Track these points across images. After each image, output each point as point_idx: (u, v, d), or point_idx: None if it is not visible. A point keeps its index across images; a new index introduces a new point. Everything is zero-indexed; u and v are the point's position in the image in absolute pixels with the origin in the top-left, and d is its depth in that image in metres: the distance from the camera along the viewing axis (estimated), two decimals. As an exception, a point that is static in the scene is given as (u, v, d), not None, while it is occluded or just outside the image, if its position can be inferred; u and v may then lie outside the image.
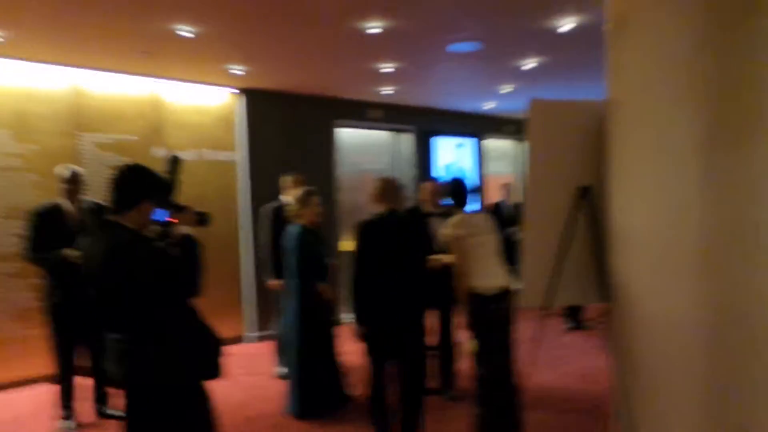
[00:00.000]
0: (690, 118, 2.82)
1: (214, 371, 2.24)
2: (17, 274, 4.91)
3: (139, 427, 2.25)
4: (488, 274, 3.64)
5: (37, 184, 5.02)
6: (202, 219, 2.50)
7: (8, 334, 4.94)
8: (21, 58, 4.92)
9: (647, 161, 3.04)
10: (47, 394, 4.39)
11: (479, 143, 9.05)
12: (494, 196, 9.51)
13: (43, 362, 4.19)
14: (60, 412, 4.07)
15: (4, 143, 4.95)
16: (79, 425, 4.11)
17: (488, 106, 8.05)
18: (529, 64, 5.27)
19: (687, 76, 2.83)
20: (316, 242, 4.24)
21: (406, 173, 8.20)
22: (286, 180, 5.21)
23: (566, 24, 4.08)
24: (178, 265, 2.15)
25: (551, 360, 5.45)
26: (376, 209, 3.42)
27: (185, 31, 4.08)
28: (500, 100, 7.64)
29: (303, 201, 4.24)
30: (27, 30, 4.09)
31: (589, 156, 3.86)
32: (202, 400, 2.26)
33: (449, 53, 4.84)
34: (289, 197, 5.12)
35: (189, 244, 2.23)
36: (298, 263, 4.18)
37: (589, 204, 3.86)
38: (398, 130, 8.17)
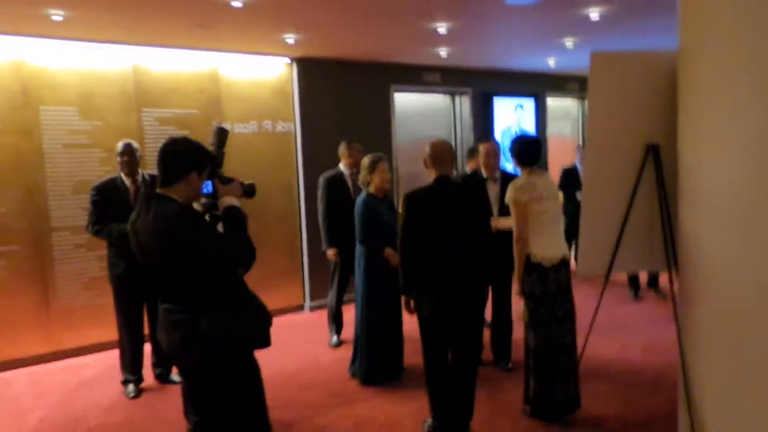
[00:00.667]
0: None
1: (262, 341, 2.26)
2: (86, 245, 5.15)
3: (192, 395, 2.31)
4: (549, 243, 3.48)
5: (103, 160, 5.21)
6: (248, 190, 2.49)
7: (79, 302, 5.21)
8: (83, 39, 5.06)
9: (729, 113, 2.79)
10: (113, 360, 4.62)
11: (539, 103, 8.71)
12: (557, 159, 9.19)
13: (111, 329, 4.39)
14: (124, 377, 4.28)
15: (70, 121, 5.14)
16: (142, 390, 4.30)
17: (549, 62, 7.70)
18: (593, 12, 4.96)
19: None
20: (382, 209, 4.20)
21: (465, 138, 8.02)
22: (342, 147, 5.19)
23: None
24: (224, 237, 2.16)
25: (612, 330, 5.26)
26: (429, 175, 3.33)
27: (236, 0, 4.06)
28: (562, 56, 7.28)
29: (371, 168, 4.20)
30: (87, 9, 4.18)
31: (656, 112, 3.60)
32: (252, 370, 2.29)
33: (507, 7, 4.60)
34: (343, 165, 5.12)
35: (235, 215, 2.23)
36: (360, 230, 4.17)
37: (657, 163, 3.63)
38: (455, 93, 7.97)
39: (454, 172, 3.93)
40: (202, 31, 4.98)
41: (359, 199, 4.24)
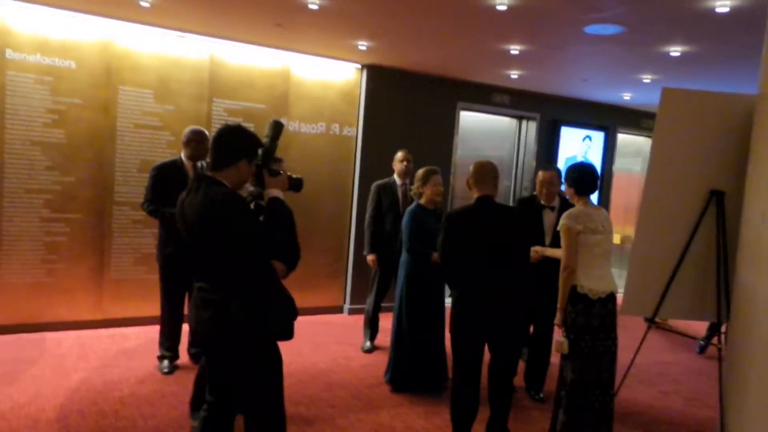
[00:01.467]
0: None
1: (285, 333, 2.29)
2: (143, 222, 5.36)
3: (212, 375, 2.36)
4: (598, 276, 3.36)
5: (171, 143, 5.43)
6: (295, 184, 2.54)
7: (128, 276, 5.43)
8: (165, 27, 5.31)
9: None
10: (154, 334, 4.78)
11: (609, 136, 8.48)
12: (621, 195, 8.91)
13: (155, 305, 4.55)
14: (160, 352, 4.42)
15: (145, 103, 5.39)
16: (176, 367, 4.43)
17: (625, 96, 7.50)
18: (674, 51, 4.80)
19: None
20: (430, 220, 4.18)
21: (527, 162, 7.90)
22: (396, 156, 5.22)
23: (721, 5, 3.63)
24: (264, 227, 2.20)
25: (655, 376, 5.03)
26: (472, 195, 3.30)
27: (312, 3, 4.17)
28: (638, 91, 7.08)
29: (424, 179, 4.23)
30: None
31: (725, 156, 3.43)
32: (273, 359, 2.32)
33: (586, 35, 4.52)
34: (396, 174, 5.15)
35: (278, 207, 2.28)
36: (407, 238, 4.19)
37: (721, 210, 3.46)
38: (523, 117, 7.87)
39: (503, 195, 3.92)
40: (279, 30, 5.13)
41: (409, 209, 4.26)
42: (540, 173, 4.35)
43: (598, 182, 3.56)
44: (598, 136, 8.39)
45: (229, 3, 4.41)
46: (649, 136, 9.11)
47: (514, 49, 5.17)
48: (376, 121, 6.57)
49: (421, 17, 4.44)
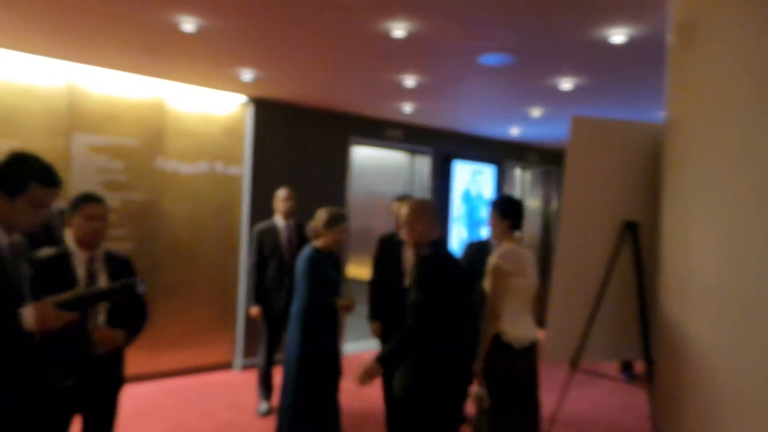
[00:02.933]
0: (771, 148, 2.32)
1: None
2: None
3: None
4: (523, 323, 3.08)
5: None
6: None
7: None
8: (12, 49, 4.54)
9: (718, 193, 2.53)
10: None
11: (500, 171, 8.56)
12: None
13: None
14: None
15: (-17, 139, 4.55)
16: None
17: (513, 131, 7.58)
18: (566, 83, 4.79)
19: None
20: (326, 265, 3.76)
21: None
22: (277, 194, 4.78)
23: (614, 36, 3.60)
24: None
25: (578, 419, 4.87)
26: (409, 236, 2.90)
27: (188, 23, 3.66)
28: (526, 126, 7.17)
29: (329, 224, 3.72)
30: (18, 15, 3.70)
31: (637, 186, 3.35)
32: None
33: (480, 66, 4.37)
34: (279, 215, 4.72)
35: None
36: (307, 285, 3.69)
37: (636, 243, 3.36)
38: (416, 152, 7.72)
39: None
40: (149, 56, 4.55)
41: (304, 254, 3.78)
42: (395, 205, 4.08)
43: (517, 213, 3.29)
44: (489, 171, 8.44)
45: (89, 23, 3.79)
46: (533, 169, 9.35)
47: (409, 81, 4.95)
48: (265, 159, 6.07)
49: (312, 45, 4.08)
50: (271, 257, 4.61)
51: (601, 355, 3.33)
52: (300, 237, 4.56)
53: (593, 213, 3.27)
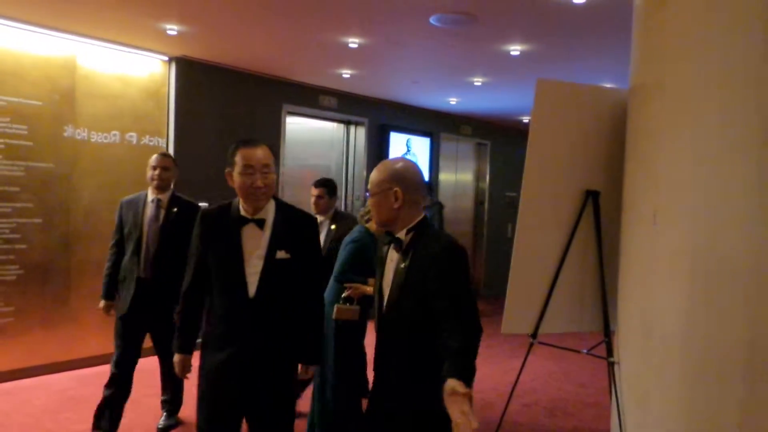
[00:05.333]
0: (747, 109, 2.24)
1: None
2: None
3: None
4: None
5: None
6: None
7: None
8: None
9: (684, 161, 2.43)
10: None
11: (433, 142, 8.42)
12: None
13: None
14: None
15: None
16: None
17: (452, 101, 7.44)
18: (516, 49, 4.65)
19: (745, 56, 2.25)
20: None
21: (358, 172, 7.46)
22: (149, 161, 3.65)
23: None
24: None
25: (523, 391, 4.84)
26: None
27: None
28: (465, 96, 7.04)
29: None
30: None
31: (600, 154, 3.24)
32: None
33: (431, 27, 4.13)
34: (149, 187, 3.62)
35: None
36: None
37: (596, 212, 3.27)
38: (350, 122, 7.42)
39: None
40: (60, 4, 3.98)
41: (352, 237, 3.43)
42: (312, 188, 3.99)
43: (432, 192, 3.23)
44: (423, 142, 8.28)
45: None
46: (468, 142, 9.30)
47: (352, 42, 4.65)
48: (189, 127, 5.58)
49: (249, -5, 3.69)
50: (128, 239, 3.57)
51: (559, 326, 3.24)
52: (172, 218, 3.55)
53: (554, 180, 3.14)
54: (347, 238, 3.44)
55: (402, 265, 1.93)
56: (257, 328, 2.24)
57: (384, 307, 1.99)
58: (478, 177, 9.53)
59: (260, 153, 2.27)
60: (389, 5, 3.76)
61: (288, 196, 6.61)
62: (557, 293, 3.17)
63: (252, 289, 2.24)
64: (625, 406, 2.82)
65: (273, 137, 6.32)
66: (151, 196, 3.57)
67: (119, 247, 3.59)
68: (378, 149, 7.57)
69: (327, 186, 3.98)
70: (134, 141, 5.28)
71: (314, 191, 3.99)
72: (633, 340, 2.75)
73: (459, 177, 9.31)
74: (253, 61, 5.55)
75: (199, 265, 2.33)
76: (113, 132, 5.16)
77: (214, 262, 2.29)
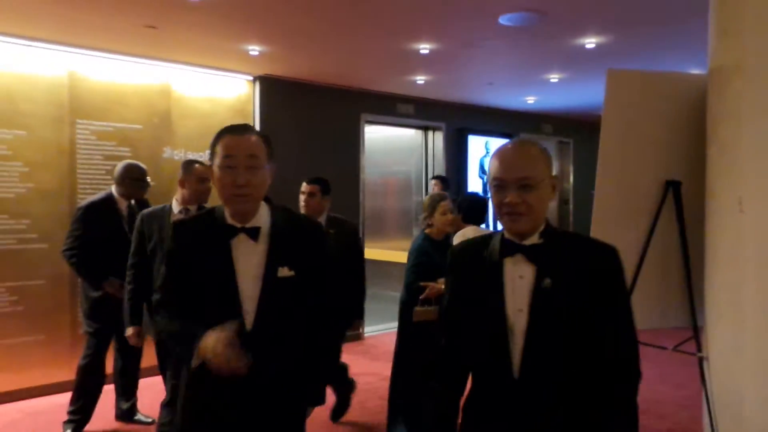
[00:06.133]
0: None
1: None
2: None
3: None
4: None
5: (25, 175, 4.45)
6: None
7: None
8: (11, 35, 4.36)
9: None
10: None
11: (515, 144, 8.32)
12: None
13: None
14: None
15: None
16: None
17: (529, 100, 7.35)
18: (590, 43, 4.57)
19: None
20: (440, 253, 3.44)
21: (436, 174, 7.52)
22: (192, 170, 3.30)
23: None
24: None
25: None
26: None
27: (192, -6, 3.48)
28: (543, 94, 6.94)
29: (431, 208, 3.49)
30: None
31: (679, 143, 3.14)
32: None
33: (500, 27, 4.15)
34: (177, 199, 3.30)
35: None
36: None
37: (678, 203, 3.16)
38: (428, 128, 7.50)
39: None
40: (154, 36, 4.36)
41: (414, 242, 3.57)
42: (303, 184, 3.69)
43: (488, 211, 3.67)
44: (502, 144, 8.20)
45: (85, 2, 3.60)
46: (550, 141, 9.12)
47: (424, 48, 4.74)
48: (274, 141, 5.84)
49: (322, 12, 3.88)
50: (155, 254, 3.18)
51: (644, 322, 3.14)
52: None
53: (631, 173, 3.07)
54: (412, 246, 3.51)
55: (545, 283, 1.42)
56: (257, 370, 1.64)
57: (517, 345, 1.43)
58: (562, 175, 9.32)
59: (246, 141, 1.72)
60: (456, 9, 3.82)
61: (369, 207, 6.78)
62: (639, 289, 3.08)
63: (249, 318, 1.71)
64: (716, 404, 2.71)
65: (353, 147, 6.52)
66: (178, 207, 3.26)
67: (141, 266, 3.20)
68: (456, 153, 7.60)
69: (321, 183, 3.61)
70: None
71: (306, 188, 3.57)
72: (723, 334, 2.64)
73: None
74: (330, 74, 5.77)
75: (176, 283, 1.78)
76: (206, 151, 5.52)
77: (195, 288, 1.73)
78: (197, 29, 4.25)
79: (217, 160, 1.71)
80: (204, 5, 3.67)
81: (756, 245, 2.36)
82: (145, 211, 3.30)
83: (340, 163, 6.33)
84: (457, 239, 3.30)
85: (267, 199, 1.84)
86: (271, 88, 5.84)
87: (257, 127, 5.78)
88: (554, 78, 5.92)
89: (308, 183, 3.61)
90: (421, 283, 3.32)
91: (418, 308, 3.32)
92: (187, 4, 3.62)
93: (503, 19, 4.01)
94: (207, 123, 5.51)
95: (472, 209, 3.62)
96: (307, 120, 6.12)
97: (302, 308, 1.79)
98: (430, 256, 3.41)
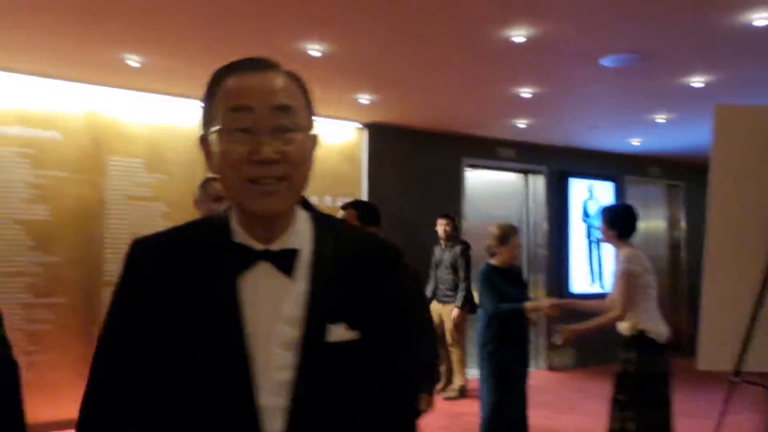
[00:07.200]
0: None
1: None
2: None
3: None
4: (660, 319, 3.13)
5: (165, 215, 5.04)
6: None
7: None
8: (155, 91, 5.03)
9: None
10: None
11: (618, 187, 8.17)
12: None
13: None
14: None
15: (135, 173, 5.03)
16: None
17: (634, 142, 7.26)
18: (697, 82, 4.55)
19: None
20: (508, 282, 3.69)
21: (538, 221, 7.52)
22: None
23: (756, 19, 3.38)
24: None
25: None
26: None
27: (313, 50, 3.90)
28: (648, 136, 6.84)
29: (502, 239, 3.69)
30: (165, 56, 4.12)
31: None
32: None
33: (602, 68, 4.26)
34: None
35: None
36: (487, 304, 3.63)
37: (796, 237, 3.05)
38: (529, 171, 7.57)
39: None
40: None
41: (479, 272, 3.80)
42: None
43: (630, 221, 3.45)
44: (606, 187, 8.09)
45: (224, 54, 4.12)
46: (657, 185, 8.84)
47: (526, 92, 4.92)
48: (379, 185, 6.20)
49: (428, 59, 4.18)
50: None
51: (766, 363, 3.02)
52: None
53: (745, 207, 3.03)
54: (480, 276, 3.69)
55: None
56: None
57: None
58: (671, 222, 8.93)
59: (270, 81, 0.97)
60: (558, 53, 3.99)
61: (475, 248, 6.87)
62: (762, 323, 2.99)
63: (275, 424, 0.94)
64: None
65: (454, 191, 6.72)
66: None
67: None
68: (558, 197, 7.58)
69: (359, 208, 2.89)
70: (329, 203, 6.00)
71: (342, 214, 2.85)
72: None
73: (648, 223, 8.79)
74: (434, 119, 6.07)
75: (122, 370, 0.98)
76: (313, 196, 5.94)
77: (173, 365, 0.95)
78: (317, 81, 4.68)
79: (219, 120, 0.95)
80: (325, 58, 4.08)
81: None
82: None
83: (442, 208, 6.51)
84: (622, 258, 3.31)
85: (305, 203, 1.08)
86: (378, 134, 6.21)
87: (365, 172, 6.13)
88: (661, 119, 5.87)
89: (343, 207, 2.89)
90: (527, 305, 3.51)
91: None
92: (310, 58, 4.05)
93: (605, 61, 4.12)
94: (319, 167, 5.92)
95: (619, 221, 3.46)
96: (411, 164, 6.42)
97: (369, 394, 1.01)
98: (500, 286, 3.61)
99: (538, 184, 7.57)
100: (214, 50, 3.93)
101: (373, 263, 1.06)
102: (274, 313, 0.96)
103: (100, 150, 4.89)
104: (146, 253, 1.00)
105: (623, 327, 3.23)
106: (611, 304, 3.31)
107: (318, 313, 0.97)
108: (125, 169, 4.98)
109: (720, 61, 4.16)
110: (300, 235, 1.02)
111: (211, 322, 0.94)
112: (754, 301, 2.99)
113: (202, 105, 1.02)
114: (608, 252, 7.01)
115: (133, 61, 4.17)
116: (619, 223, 3.36)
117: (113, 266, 4.85)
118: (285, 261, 0.98)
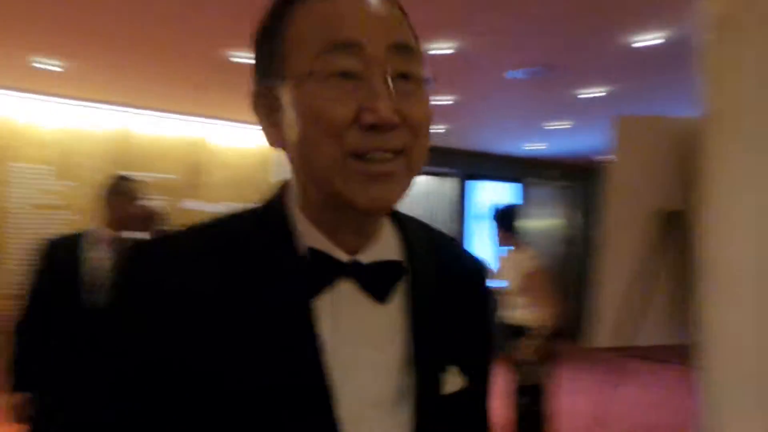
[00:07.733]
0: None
1: None
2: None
3: None
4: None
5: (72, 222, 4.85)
6: None
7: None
8: (73, 98, 4.84)
9: (757, 184, 2.65)
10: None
11: (522, 188, 8.72)
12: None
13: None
14: None
15: (45, 180, 4.79)
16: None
17: (536, 147, 7.79)
18: (594, 92, 5.03)
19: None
20: None
21: (446, 221, 7.88)
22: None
23: (645, 40, 3.81)
24: None
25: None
26: None
27: (239, 57, 3.92)
28: (548, 142, 7.38)
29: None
30: (87, 62, 3.98)
31: (679, 178, 3.48)
32: None
33: (507, 80, 4.60)
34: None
35: None
36: None
37: (679, 231, 3.47)
38: (442, 174, 7.91)
39: None
40: (196, 96, 4.81)
41: None
42: None
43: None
44: (511, 188, 8.60)
45: (146, 68, 4.05)
46: (553, 187, 9.48)
47: (443, 101, 5.20)
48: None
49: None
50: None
51: (652, 338, 3.39)
52: None
53: (637, 205, 3.40)
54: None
55: None
56: None
57: None
58: (567, 220, 9.63)
59: (382, 7, 0.65)
60: (472, 65, 4.26)
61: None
62: (648, 307, 3.37)
63: None
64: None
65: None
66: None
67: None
68: (464, 199, 8.02)
69: None
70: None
71: None
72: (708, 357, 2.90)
73: (547, 222, 9.40)
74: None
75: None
76: (232, 197, 5.92)
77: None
78: (233, 86, 4.70)
79: (301, 62, 0.64)
80: (247, 66, 4.10)
81: (722, 272, 2.67)
82: None
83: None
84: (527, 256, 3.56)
85: None
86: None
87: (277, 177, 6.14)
88: (560, 125, 6.37)
89: None
90: None
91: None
92: (226, 63, 4.06)
93: (512, 74, 4.45)
94: (236, 172, 5.92)
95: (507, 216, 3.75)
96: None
97: None
98: None
99: (449, 185, 7.94)
100: (130, 54, 3.86)
101: (470, 283, 0.80)
102: (367, 353, 0.67)
103: (3, 156, 4.62)
104: (157, 259, 0.66)
105: (520, 317, 3.40)
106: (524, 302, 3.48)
107: (430, 355, 0.69)
108: (32, 176, 4.73)
109: (613, 75, 4.62)
110: (387, 244, 0.72)
111: (279, 375, 0.62)
112: (639, 282, 3.38)
113: (260, 42, 0.69)
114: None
115: (45, 64, 4.00)
116: (507, 221, 3.59)
117: (14, 277, 4.58)
118: (380, 279, 0.68)
